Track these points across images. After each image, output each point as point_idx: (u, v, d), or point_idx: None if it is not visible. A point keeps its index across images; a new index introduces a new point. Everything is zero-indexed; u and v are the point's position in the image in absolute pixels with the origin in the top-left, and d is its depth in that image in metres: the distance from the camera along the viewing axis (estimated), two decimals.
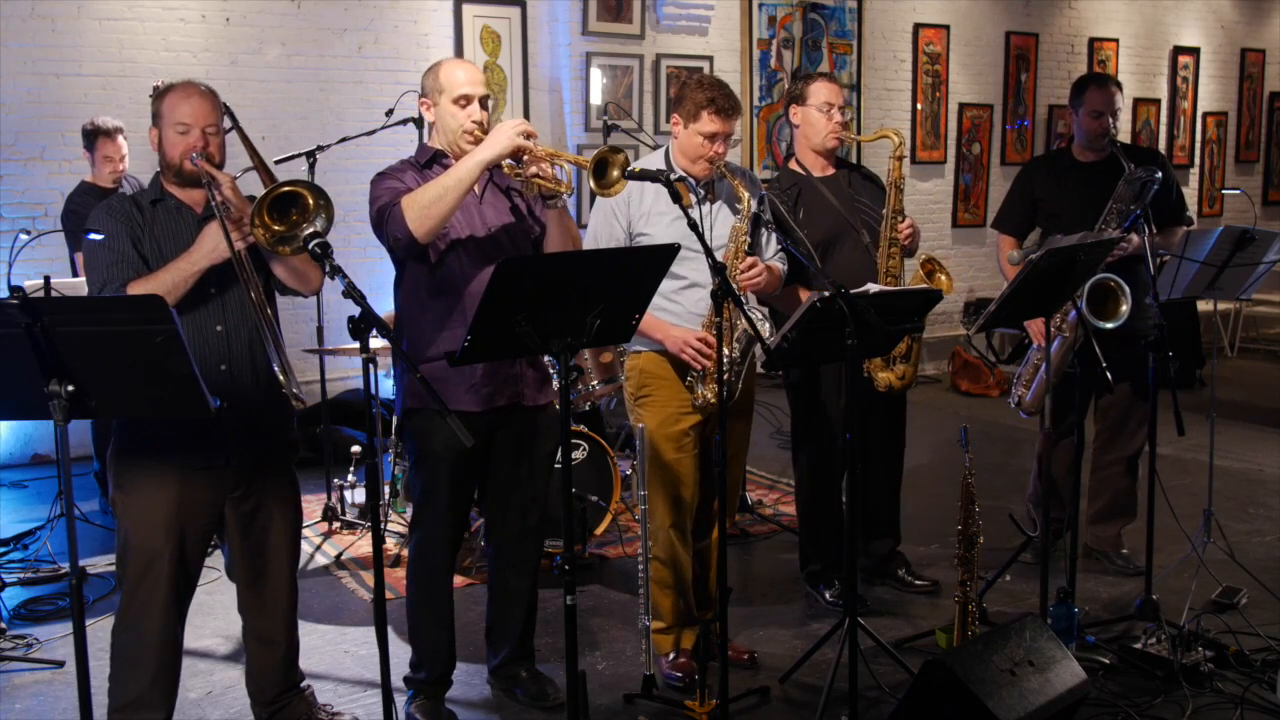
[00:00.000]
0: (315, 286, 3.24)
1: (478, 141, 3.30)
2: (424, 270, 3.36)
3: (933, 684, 3.06)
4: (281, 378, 2.97)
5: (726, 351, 3.55)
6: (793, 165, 4.36)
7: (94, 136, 5.59)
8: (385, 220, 3.23)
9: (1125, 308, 4.19)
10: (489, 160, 3.18)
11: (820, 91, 4.23)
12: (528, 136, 3.19)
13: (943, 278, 4.22)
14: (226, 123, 3.28)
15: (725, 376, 3.45)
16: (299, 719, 3.40)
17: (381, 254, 3.36)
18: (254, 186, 3.03)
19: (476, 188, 3.30)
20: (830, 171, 4.32)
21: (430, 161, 3.41)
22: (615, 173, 3.12)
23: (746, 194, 3.64)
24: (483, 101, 3.38)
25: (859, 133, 8.63)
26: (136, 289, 2.95)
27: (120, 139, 5.61)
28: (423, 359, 3.33)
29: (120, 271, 3.00)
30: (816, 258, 4.16)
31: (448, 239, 3.31)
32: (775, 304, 4.17)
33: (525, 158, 3.21)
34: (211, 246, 3.01)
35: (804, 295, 3.96)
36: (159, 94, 3.15)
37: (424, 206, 3.16)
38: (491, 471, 3.51)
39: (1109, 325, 4.12)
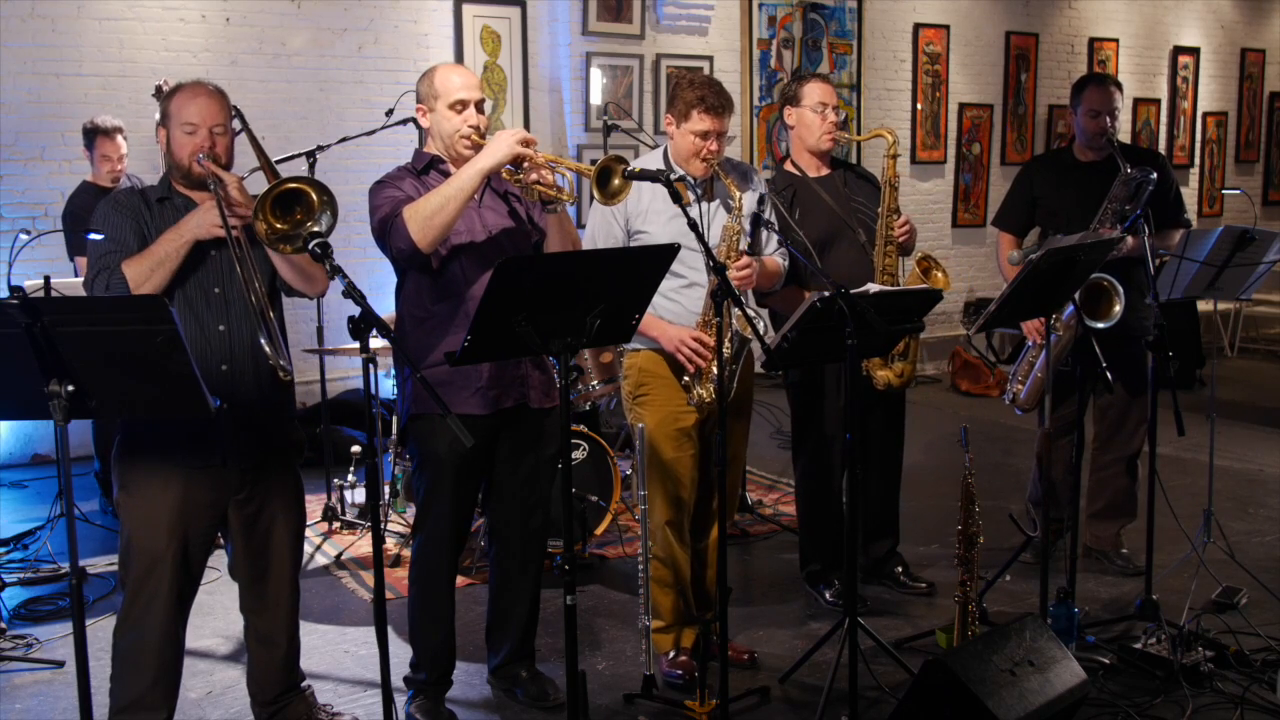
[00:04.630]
0: (320, 289, 3.22)
1: (475, 146, 3.30)
2: (426, 277, 3.35)
3: (933, 684, 3.06)
4: (268, 348, 2.93)
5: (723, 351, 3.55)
6: (788, 166, 4.36)
7: (93, 135, 5.60)
8: (388, 232, 3.23)
9: (1118, 308, 4.18)
10: (489, 168, 3.18)
11: (814, 92, 4.22)
12: (527, 144, 3.18)
13: (939, 275, 4.21)
14: (236, 124, 3.27)
15: (722, 376, 3.44)
16: (299, 719, 3.41)
17: (382, 254, 3.35)
18: (261, 187, 3.02)
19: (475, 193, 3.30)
20: (825, 172, 4.32)
21: (428, 167, 3.41)
22: (618, 181, 3.11)
23: (739, 193, 3.64)
24: (479, 105, 3.37)
25: (859, 133, 8.64)
26: (130, 266, 2.96)
27: (119, 139, 5.62)
28: (426, 364, 3.33)
29: (116, 256, 3.00)
30: (815, 258, 4.16)
31: (449, 245, 3.30)
32: (775, 305, 4.17)
33: (525, 165, 3.21)
34: (200, 220, 2.99)
35: (805, 296, 3.96)
36: (167, 94, 3.15)
37: (426, 217, 3.16)
38: (495, 474, 3.51)
39: (1100, 325, 4.11)
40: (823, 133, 4.23)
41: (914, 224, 4.24)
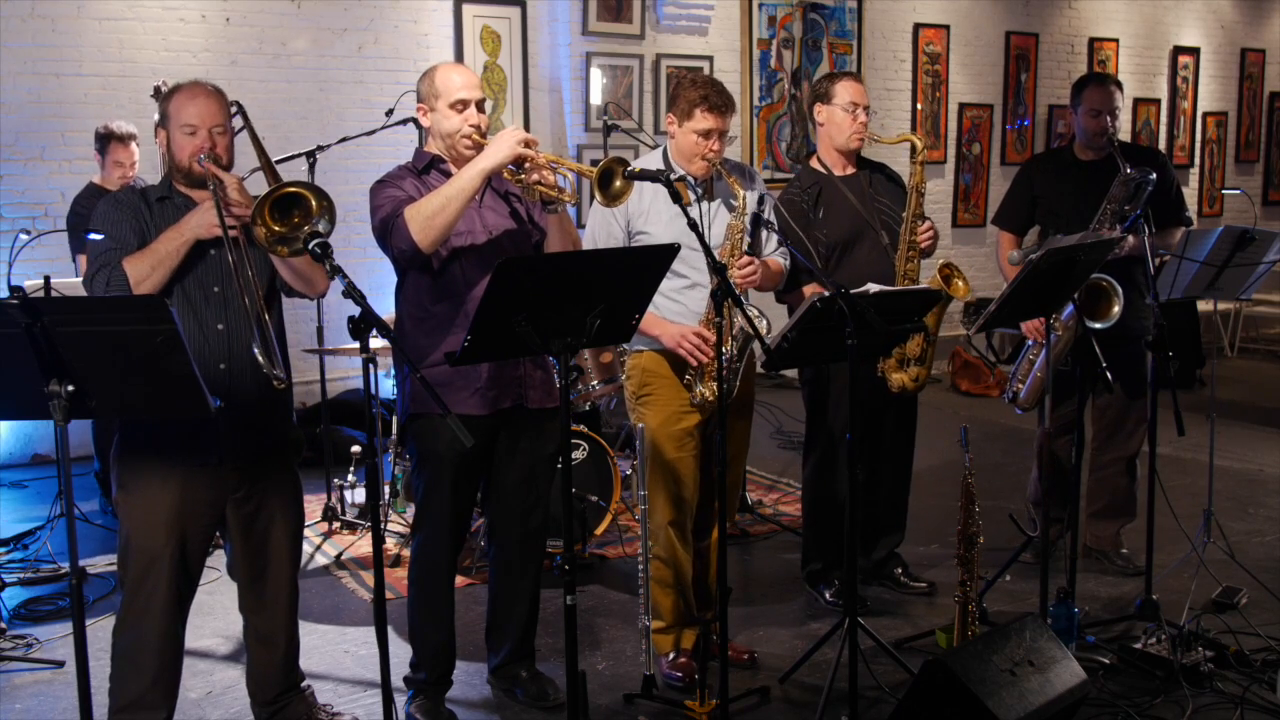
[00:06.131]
0: (320, 289, 3.22)
1: (476, 145, 3.30)
2: (426, 277, 3.35)
3: (933, 684, 3.06)
4: (261, 358, 2.94)
5: (724, 350, 3.55)
6: (813, 163, 4.34)
7: (107, 141, 5.57)
8: (389, 232, 3.23)
9: (1117, 308, 4.18)
10: (490, 169, 3.18)
11: (846, 91, 4.21)
12: (528, 145, 3.18)
13: (960, 283, 4.19)
14: (238, 122, 3.27)
15: (723, 373, 3.44)
16: (299, 719, 3.40)
17: (381, 254, 3.36)
18: (261, 188, 3.03)
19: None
20: (851, 171, 4.32)
21: (428, 167, 3.41)
22: (619, 183, 3.11)
23: (743, 191, 3.64)
24: (480, 105, 3.37)
25: None
26: (130, 264, 2.96)
27: (133, 145, 5.59)
28: (426, 364, 3.33)
29: (116, 254, 3.00)
30: (820, 259, 4.16)
31: (449, 245, 3.30)
32: (793, 302, 4.16)
33: (526, 165, 3.21)
34: (200, 220, 2.99)
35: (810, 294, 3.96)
36: (165, 95, 3.15)
37: (428, 217, 3.16)
38: (494, 473, 3.51)
39: (1099, 325, 4.11)
40: (852, 133, 4.22)
41: (937, 230, 4.26)
